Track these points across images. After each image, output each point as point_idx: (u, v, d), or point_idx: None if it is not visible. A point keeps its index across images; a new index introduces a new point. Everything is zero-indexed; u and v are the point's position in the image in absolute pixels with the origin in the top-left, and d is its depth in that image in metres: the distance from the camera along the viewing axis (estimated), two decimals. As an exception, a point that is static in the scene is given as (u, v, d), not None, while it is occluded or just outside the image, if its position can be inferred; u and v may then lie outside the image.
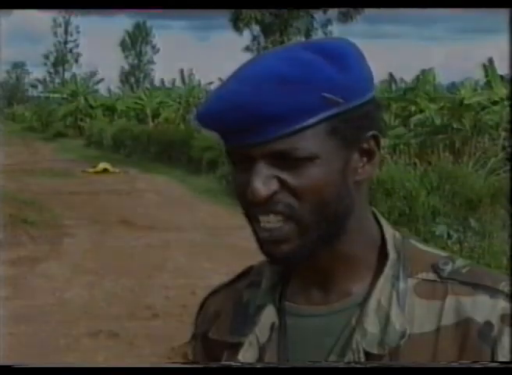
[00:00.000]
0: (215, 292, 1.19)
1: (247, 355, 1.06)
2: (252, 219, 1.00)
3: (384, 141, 1.10)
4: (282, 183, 0.97)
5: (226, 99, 0.96)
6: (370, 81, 1.01)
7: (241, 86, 0.96)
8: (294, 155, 0.96)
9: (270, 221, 0.98)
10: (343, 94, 0.96)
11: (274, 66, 0.96)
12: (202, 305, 1.19)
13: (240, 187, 0.99)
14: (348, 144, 0.99)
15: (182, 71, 32.11)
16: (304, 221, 0.98)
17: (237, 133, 0.97)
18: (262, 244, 1.00)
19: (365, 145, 1.01)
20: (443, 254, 1.06)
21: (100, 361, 5.65)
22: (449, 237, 8.73)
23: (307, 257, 1.01)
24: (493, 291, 0.98)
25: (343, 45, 0.99)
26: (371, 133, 1.01)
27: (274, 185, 0.97)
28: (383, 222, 1.07)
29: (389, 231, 1.06)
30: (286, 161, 0.96)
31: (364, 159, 1.01)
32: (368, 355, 0.99)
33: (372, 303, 1.01)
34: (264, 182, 0.96)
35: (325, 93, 0.95)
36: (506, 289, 0.99)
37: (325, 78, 0.96)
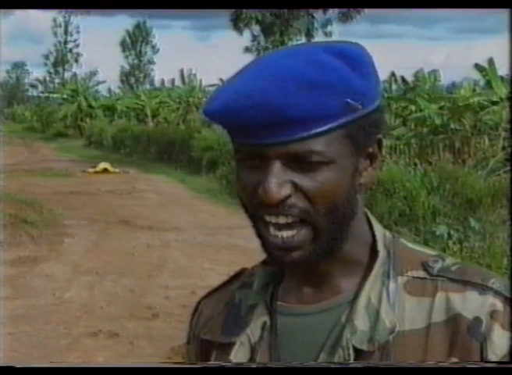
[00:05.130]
0: (208, 295, 1.19)
1: (238, 355, 1.07)
2: (259, 220, 1.00)
3: (384, 141, 1.11)
4: (297, 187, 0.97)
5: (249, 97, 0.95)
6: (379, 88, 1.03)
7: (266, 85, 0.95)
8: (311, 158, 0.96)
9: (279, 222, 0.98)
10: (361, 101, 0.97)
11: (300, 69, 0.96)
12: (196, 308, 1.20)
13: (249, 185, 0.99)
14: (358, 149, 1.00)
15: (182, 71, 32.14)
16: (318, 225, 0.98)
17: (254, 131, 0.96)
18: (271, 250, 1.00)
19: (370, 149, 1.02)
20: (433, 252, 1.07)
21: (100, 361, 5.66)
22: (450, 237, 8.72)
23: (315, 262, 1.02)
24: (482, 288, 0.99)
25: (360, 51, 1.00)
26: (377, 137, 1.03)
27: (288, 189, 0.97)
28: (373, 220, 1.08)
29: (379, 230, 1.07)
30: (301, 164, 0.96)
31: (368, 162, 1.03)
32: (357, 351, 0.99)
33: (362, 300, 1.01)
34: (279, 184, 0.96)
35: (347, 99, 0.96)
36: (495, 286, 1.00)
37: (348, 84, 0.97)
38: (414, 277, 1.02)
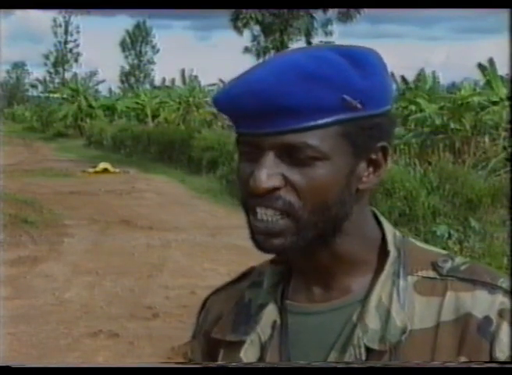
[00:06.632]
0: (216, 292, 1.19)
1: (248, 354, 1.07)
2: (249, 209, 1.01)
3: (390, 150, 1.12)
4: (287, 180, 0.97)
5: (247, 84, 0.97)
6: (389, 94, 1.03)
7: (265, 75, 0.97)
8: (305, 151, 0.96)
9: (267, 214, 0.98)
10: (361, 100, 0.97)
11: (300, 61, 0.97)
12: (204, 305, 1.20)
13: (245, 176, 0.99)
14: (357, 151, 0.99)
15: (183, 71, 32.15)
16: (302, 220, 0.98)
17: (252, 119, 0.97)
18: (254, 234, 1.00)
19: (373, 156, 1.02)
20: (443, 252, 1.07)
21: (100, 361, 5.65)
22: (450, 237, 8.73)
23: (297, 253, 1.02)
24: (492, 287, 0.99)
25: (370, 54, 1.01)
26: (381, 144, 1.01)
27: (277, 181, 0.97)
28: (384, 221, 1.08)
29: (390, 230, 1.07)
30: (295, 157, 0.97)
31: (370, 169, 1.02)
32: (369, 350, 1.00)
33: (373, 300, 1.01)
34: (268, 175, 0.96)
35: (345, 95, 0.96)
36: (505, 285, 1.00)
37: (347, 80, 0.96)
38: (424, 277, 1.02)
